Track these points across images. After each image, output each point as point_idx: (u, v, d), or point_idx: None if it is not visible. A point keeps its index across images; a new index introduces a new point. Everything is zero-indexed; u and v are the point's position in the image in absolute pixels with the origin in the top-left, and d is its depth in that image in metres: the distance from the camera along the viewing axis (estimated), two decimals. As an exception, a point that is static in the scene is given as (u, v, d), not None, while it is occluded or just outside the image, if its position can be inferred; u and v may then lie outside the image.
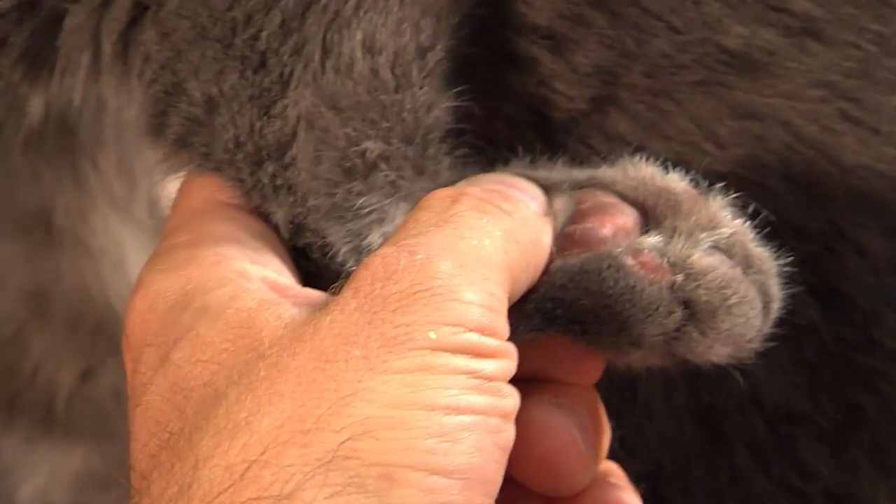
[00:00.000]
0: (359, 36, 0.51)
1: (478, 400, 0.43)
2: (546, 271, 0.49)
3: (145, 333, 0.47)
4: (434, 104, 0.52)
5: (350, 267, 0.51)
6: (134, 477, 0.45)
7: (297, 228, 0.51)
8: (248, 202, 0.52)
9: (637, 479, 0.55)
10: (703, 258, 0.49)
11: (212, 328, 0.45)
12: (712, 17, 0.55)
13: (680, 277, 0.48)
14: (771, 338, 0.51)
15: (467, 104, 0.54)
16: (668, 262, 0.49)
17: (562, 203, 0.51)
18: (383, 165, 0.51)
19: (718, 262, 0.49)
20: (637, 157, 0.53)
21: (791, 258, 0.52)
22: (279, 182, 0.51)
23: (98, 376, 0.68)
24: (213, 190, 0.52)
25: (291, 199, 0.51)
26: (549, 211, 0.50)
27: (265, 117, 0.51)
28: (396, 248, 0.45)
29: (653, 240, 0.50)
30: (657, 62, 0.56)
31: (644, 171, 0.52)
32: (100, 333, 0.67)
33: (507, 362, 0.45)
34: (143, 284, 0.48)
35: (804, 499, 0.58)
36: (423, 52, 0.53)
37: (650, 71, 0.56)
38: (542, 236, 0.49)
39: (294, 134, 0.51)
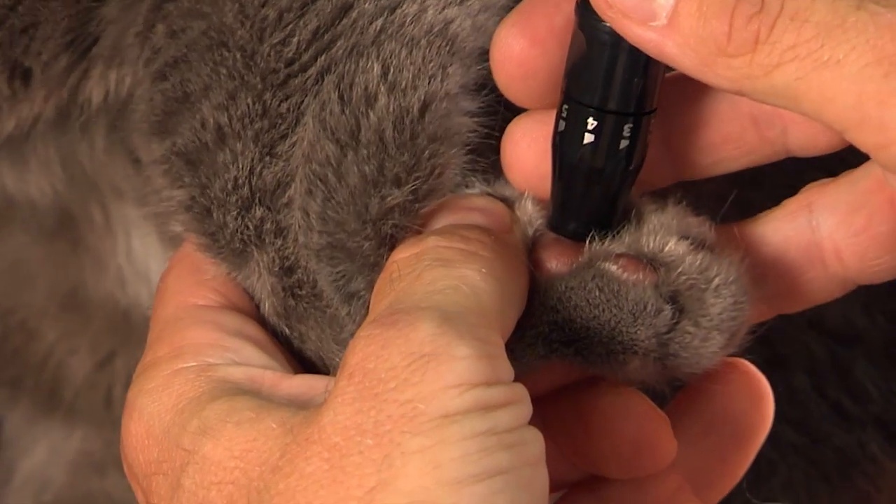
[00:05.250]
0: (377, 68, 0.47)
1: (503, 457, 0.41)
2: (537, 289, 0.48)
3: (148, 462, 0.46)
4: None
5: (340, 309, 0.49)
6: None
7: (287, 271, 0.49)
8: (224, 255, 0.50)
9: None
10: (677, 246, 0.48)
11: (217, 447, 0.44)
12: None
13: (662, 272, 0.47)
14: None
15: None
16: (647, 259, 0.48)
17: (530, 206, 0.49)
18: (397, 216, 0.47)
19: (692, 248, 0.48)
20: None
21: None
22: (267, 226, 0.49)
23: (116, 362, 0.66)
24: (185, 294, 0.50)
25: (280, 242, 0.49)
26: (513, 223, 0.49)
27: (267, 157, 0.49)
28: (377, 324, 0.43)
29: (626, 239, 0.49)
30: None
31: None
32: (120, 324, 0.64)
33: (521, 406, 0.43)
34: (135, 408, 0.47)
35: (856, 424, 0.57)
36: (454, 97, 0.48)
37: None
38: (513, 260, 0.47)
39: (294, 174, 0.49)
